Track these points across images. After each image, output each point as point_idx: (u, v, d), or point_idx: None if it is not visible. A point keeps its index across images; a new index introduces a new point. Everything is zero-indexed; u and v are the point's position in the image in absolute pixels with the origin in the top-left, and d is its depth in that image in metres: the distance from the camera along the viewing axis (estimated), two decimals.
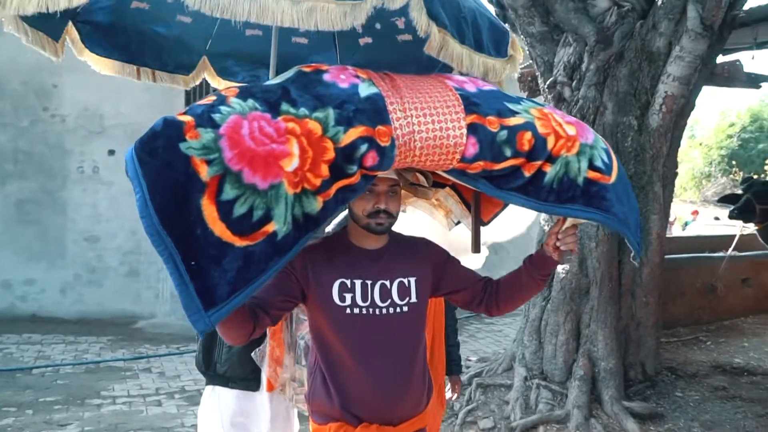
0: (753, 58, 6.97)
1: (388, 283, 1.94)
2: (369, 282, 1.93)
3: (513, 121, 1.81)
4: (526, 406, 4.68)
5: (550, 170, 1.81)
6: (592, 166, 1.86)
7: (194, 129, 1.49)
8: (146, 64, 2.84)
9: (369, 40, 2.87)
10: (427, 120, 1.76)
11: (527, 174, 1.81)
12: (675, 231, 15.80)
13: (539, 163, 1.81)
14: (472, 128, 1.77)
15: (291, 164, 1.54)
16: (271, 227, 1.52)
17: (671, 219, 17.03)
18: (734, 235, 7.04)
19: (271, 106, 1.62)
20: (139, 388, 5.29)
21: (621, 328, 5.03)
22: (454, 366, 3.24)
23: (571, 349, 4.84)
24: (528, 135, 1.79)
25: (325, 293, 1.90)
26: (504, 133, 1.78)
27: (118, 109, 7.61)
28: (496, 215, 2.35)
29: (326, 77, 1.78)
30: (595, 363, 4.78)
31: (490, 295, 2.05)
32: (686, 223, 18.49)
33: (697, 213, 19.66)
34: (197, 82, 3.08)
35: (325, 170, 1.59)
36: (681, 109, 4.99)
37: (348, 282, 1.91)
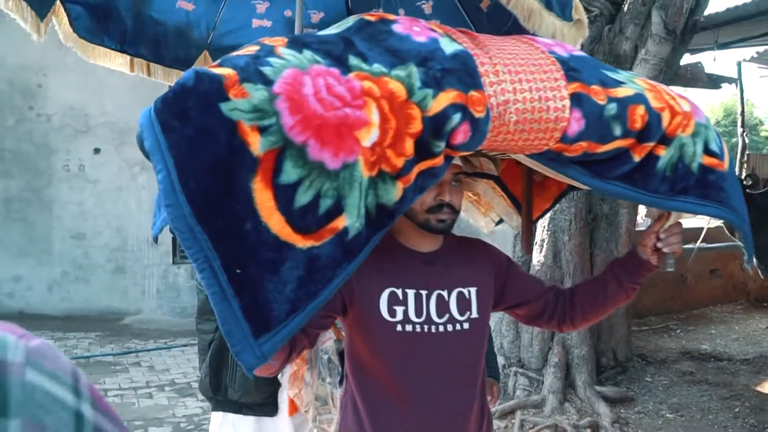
0: (714, 59, 7.22)
1: (445, 293, 1.58)
2: (424, 292, 1.56)
3: (621, 92, 1.45)
4: (504, 392, 4.91)
5: (664, 154, 1.46)
6: (707, 150, 1.52)
7: (239, 85, 1.12)
8: (141, 55, 2.50)
9: None
10: (524, 87, 1.37)
11: (636, 158, 1.45)
12: None
13: (651, 144, 1.46)
14: (575, 99, 1.40)
15: (369, 137, 1.18)
16: (341, 222, 1.17)
17: None
18: (703, 228, 7.32)
19: (337, 60, 1.25)
20: (130, 382, 5.42)
21: None
22: (490, 369, 2.66)
23: (546, 338, 5.08)
24: (640, 110, 1.44)
25: (370, 305, 1.53)
26: (613, 107, 1.42)
27: (103, 109, 7.69)
28: (545, 212, 2.05)
29: (397, 28, 1.40)
30: (569, 351, 5.02)
31: (563, 307, 1.71)
32: None
33: None
34: None
35: (409, 146, 1.24)
36: None
37: (399, 292, 1.54)
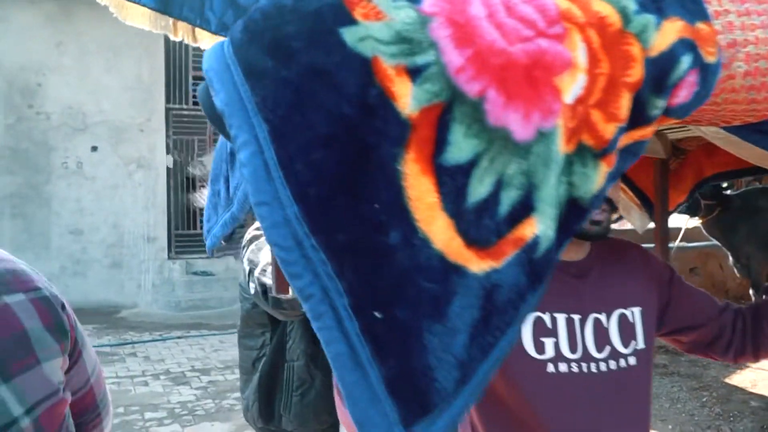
0: None
1: (603, 318, 1.19)
2: (576, 317, 1.17)
3: None
4: None
5: None
6: None
7: (368, 1, 0.69)
8: (186, 18, 2.37)
9: None
10: (754, 21, 0.91)
11: None
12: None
13: None
14: None
15: (573, 87, 0.74)
16: (530, 228, 0.73)
17: None
18: (681, 227, 7.54)
19: None
20: (127, 371, 5.61)
21: None
22: None
23: None
24: None
25: None
26: None
27: (100, 107, 7.89)
28: (679, 206, 1.72)
29: None
30: None
31: (743, 333, 1.30)
32: None
33: None
34: None
35: (624, 105, 0.79)
36: None
37: (547, 318, 1.15)
